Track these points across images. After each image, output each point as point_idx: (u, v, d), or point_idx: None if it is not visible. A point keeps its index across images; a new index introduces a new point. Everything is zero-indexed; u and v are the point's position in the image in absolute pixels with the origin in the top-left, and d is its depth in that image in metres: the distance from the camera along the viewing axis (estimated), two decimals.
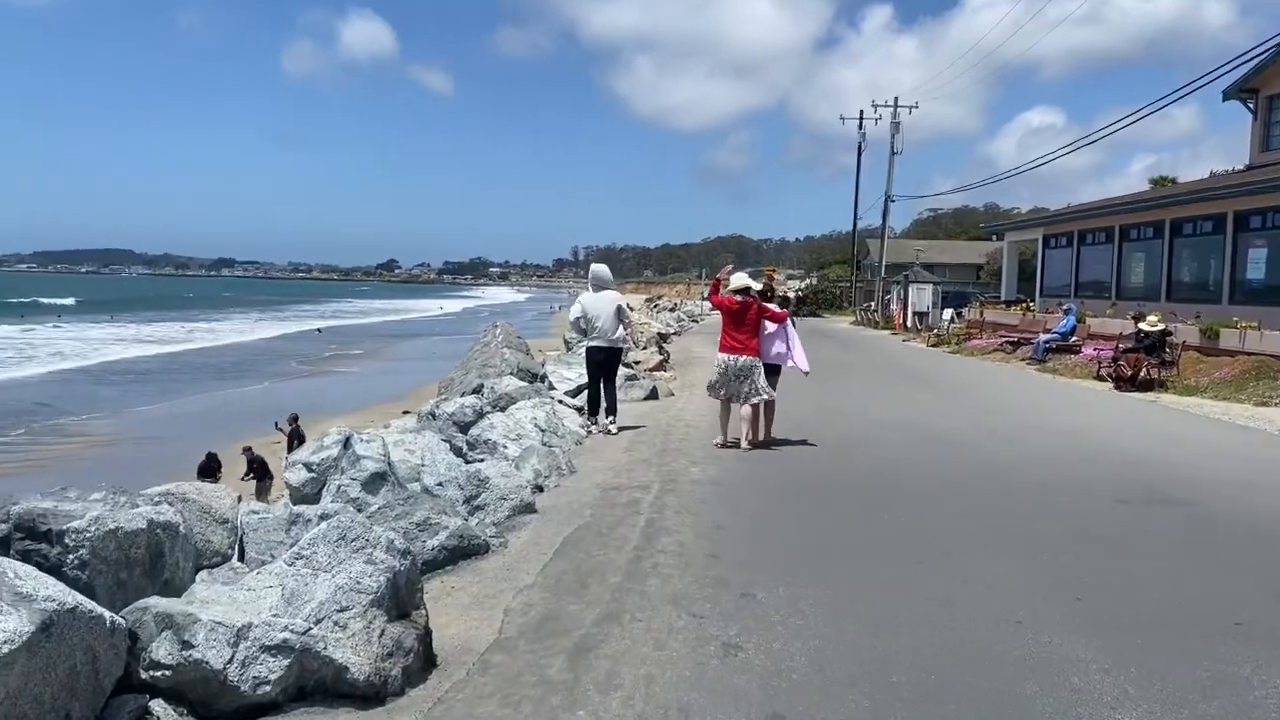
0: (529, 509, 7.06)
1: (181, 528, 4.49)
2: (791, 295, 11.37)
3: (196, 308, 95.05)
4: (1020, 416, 13.57)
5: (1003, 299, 33.72)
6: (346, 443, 7.26)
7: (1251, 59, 21.85)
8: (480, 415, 10.51)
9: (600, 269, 11.85)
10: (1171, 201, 23.61)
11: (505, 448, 9.33)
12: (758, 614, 4.79)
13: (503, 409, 11.32)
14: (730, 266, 11.31)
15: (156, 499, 4.88)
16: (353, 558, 4.23)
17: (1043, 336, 22.95)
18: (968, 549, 6.14)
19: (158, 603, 3.98)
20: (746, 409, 9.96)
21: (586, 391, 12.06)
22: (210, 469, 16.16)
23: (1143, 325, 17.60)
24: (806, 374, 10.92)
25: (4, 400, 26.79)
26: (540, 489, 8.02)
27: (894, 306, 47.86)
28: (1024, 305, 30.91)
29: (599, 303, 11.29)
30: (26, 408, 25.52)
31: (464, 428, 10.36)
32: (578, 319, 11.46)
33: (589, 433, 11.18)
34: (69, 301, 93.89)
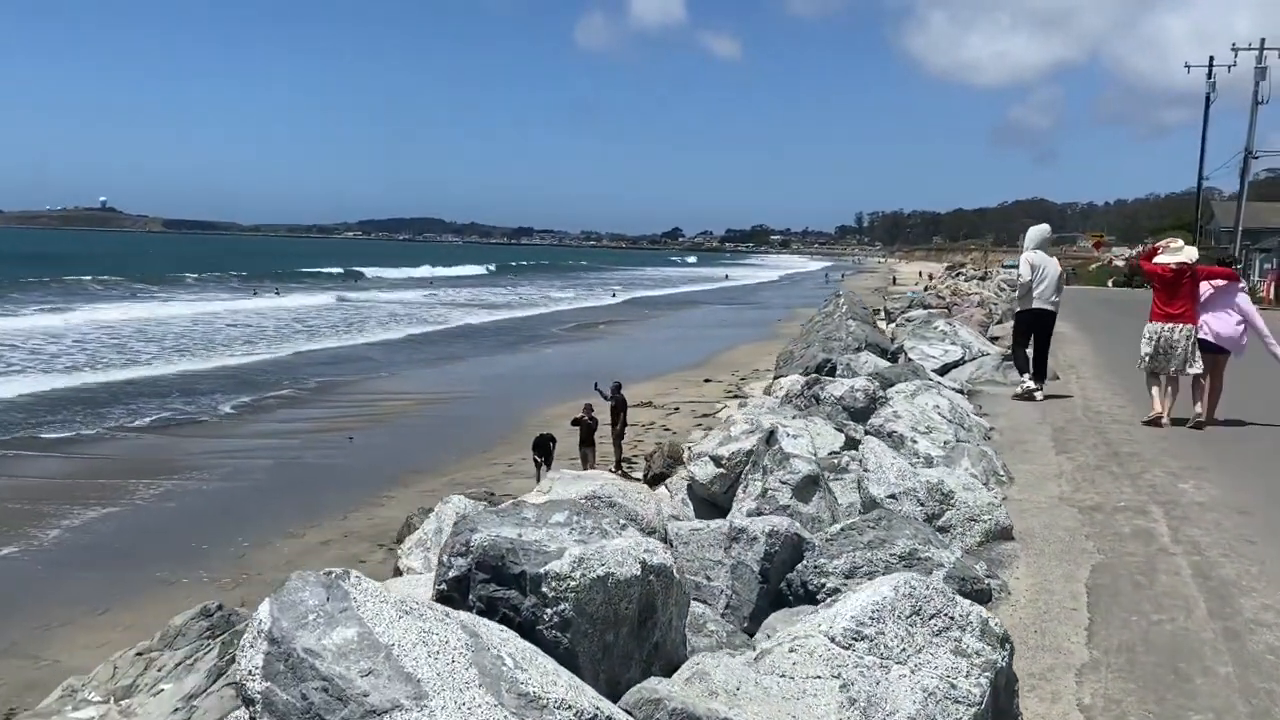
0: (1005, 534, 5.53)
1: (676, 573, 3.30)
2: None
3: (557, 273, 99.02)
4: None
5: None
6: (770, 436, 6.00)
7: None
8: (873, 400, 9.05)
9: (1045, 229, 11.74)
10: None
11: (915, 443, 7.81)
12: None
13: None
14: (1173, 240, 10.47)
15: (613, 523, 3.76)
16: (935, 644, 2.87)
17: None
18: None
19: (670, 694, 2.80)
20: (1170, 383, 9.54)
21: (1013, 355, 11.91)
22: (546, 447, 15.77)
23: None
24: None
25: (345, 357, 28.50)
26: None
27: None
28: None
29: (1048, 265, 11.11)
30: (363, 366, 26.92)
31: (856, 415, 8.95)
32: (1028, 281, 11.08)
33: (1029, 394, 10.94)
34: (483, 270, 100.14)
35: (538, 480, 15.62)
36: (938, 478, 5.68)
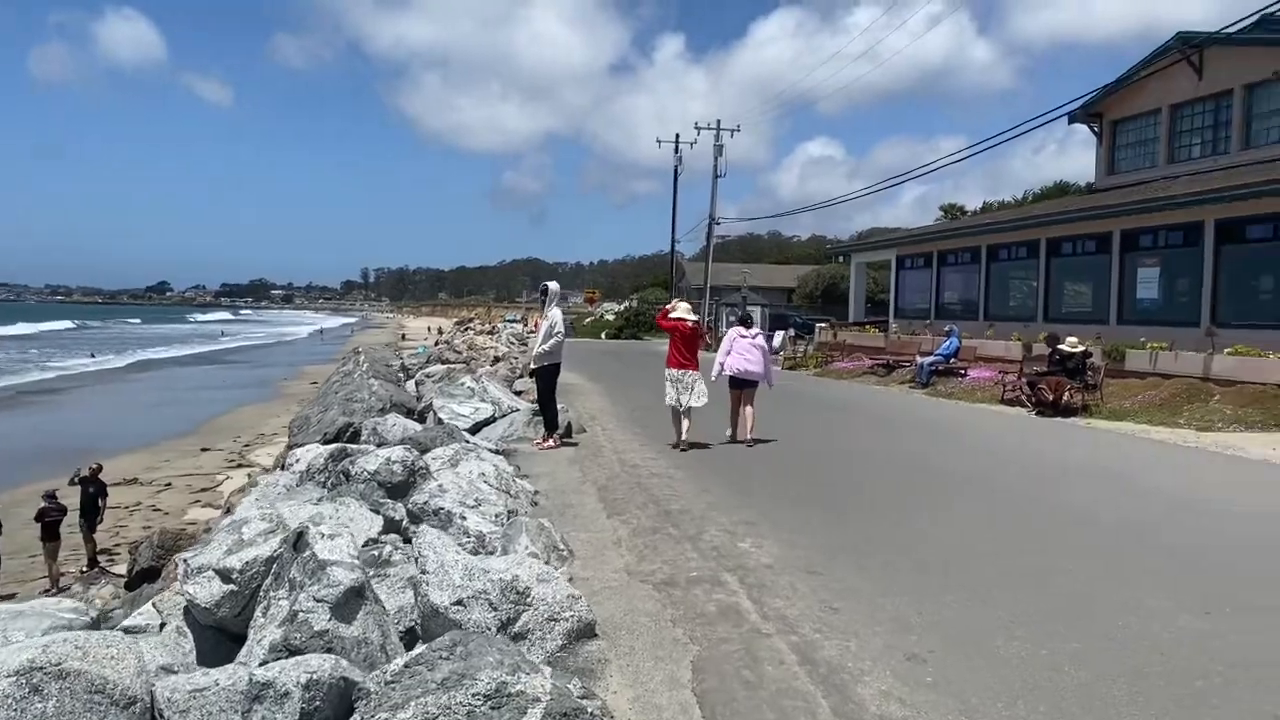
0: (589, 631, 4.71)
1: None
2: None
3: None
4: (989, 450, 12.18)
5: (851, 320, 33.20)
6: (299, 540, 4.65)
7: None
8: (413, 473, 7.92)
9: (558, 286, 12.36)
10: (1049, 221, 23.33)
11: (464, 519, 6.87)
12: None
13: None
14: (677, 300, 12.59)
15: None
16: None
17: (926, 359, 22.06)
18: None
19: None
20: (686, 414, 11.25)
21: (543, 411, 11.77)
22: None
23: (1062, 346, 16.73)
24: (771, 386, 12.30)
25: None
26: None
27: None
28: (873, 326, 30.46)
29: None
30: None
31: (394, 491, 7.76)
32: (561, 334, 11.62)
33: (552, 444, 11.32)
34: None
35: None
36: (510, 573, 4.72)
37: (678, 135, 55.86)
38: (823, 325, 34.50)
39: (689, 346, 11.43)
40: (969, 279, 26.55)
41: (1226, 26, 18.25)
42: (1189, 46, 22.00)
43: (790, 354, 32.28)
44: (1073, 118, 26.12)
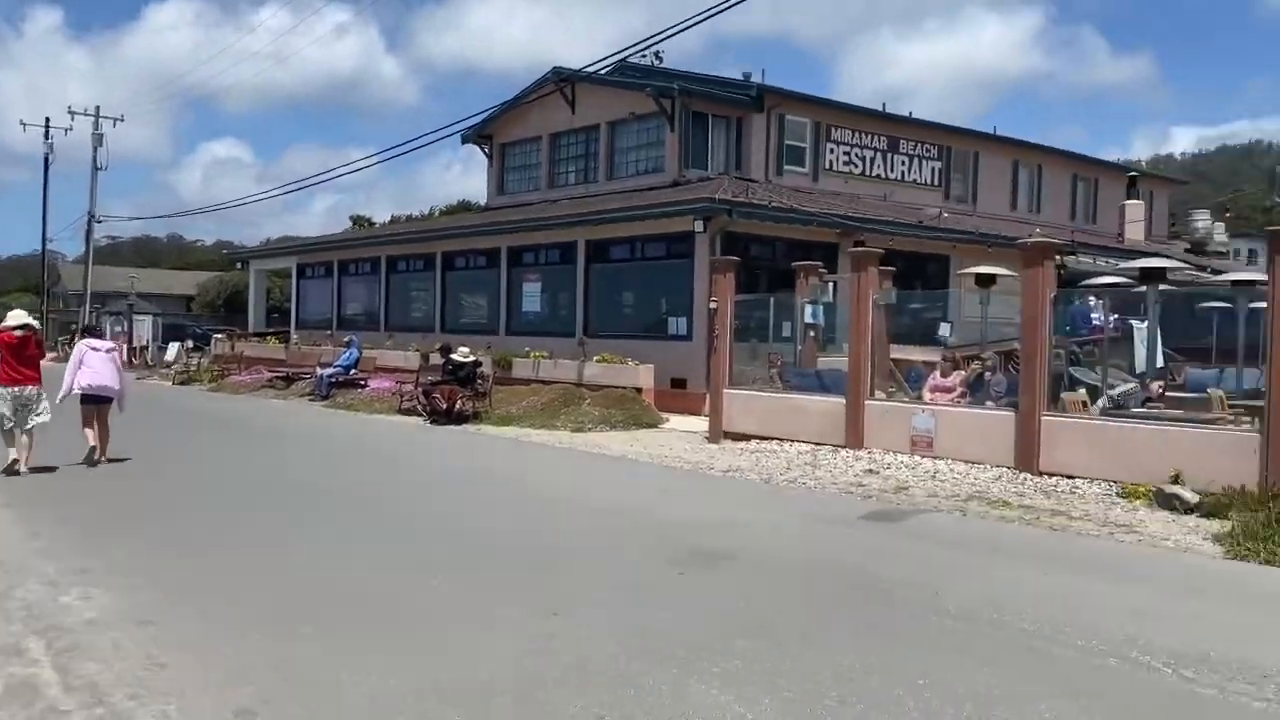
0: None
1: None
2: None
3: None
4: (378, 462, 12.04)
5: (252, 331, 31.49)
6: None
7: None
8: None
9: None
10: (445, 235, 24.05)
11: None
12: None
13: None
14: (15, 310, 11.55)
15: None
16: None
17: (325, 371, 21.52)
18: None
19: None
20: (25, 437, 10.20)
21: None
22: None
23: (454, 356, 17.24)
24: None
25: None
26: None
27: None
28: (274, 337, 29.25)
29: None
30: None
31: None
32: None
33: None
34: None
35: None
36: None
37: (48, 119, 48.67)
38: (219, 336, 32.32)
39: (21, 359, 10.32)
40: (371, 290, 26.58)
41: (589, 65, 20.36)
42: (563, 81, 24.22)
43: (184, 367, 29.76)
44: (465, 138, 27.35)
